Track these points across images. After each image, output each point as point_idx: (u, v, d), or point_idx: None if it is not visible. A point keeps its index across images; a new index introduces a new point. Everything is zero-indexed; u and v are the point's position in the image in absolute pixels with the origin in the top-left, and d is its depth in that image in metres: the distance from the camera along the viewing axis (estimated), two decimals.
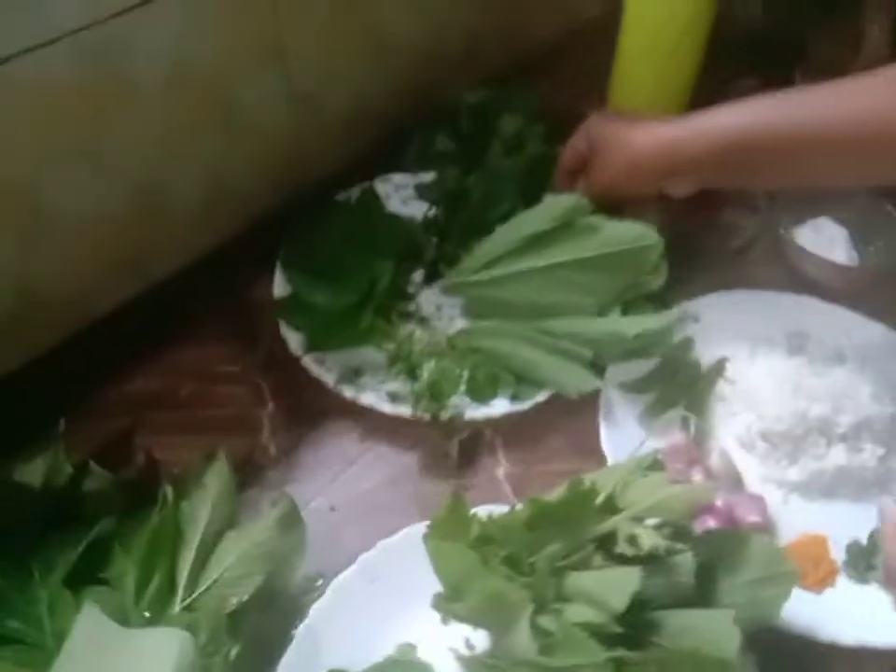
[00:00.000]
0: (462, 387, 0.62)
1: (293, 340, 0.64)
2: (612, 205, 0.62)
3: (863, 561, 0.53)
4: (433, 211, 0.74)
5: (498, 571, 0.43)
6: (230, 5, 0.62)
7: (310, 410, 0.62)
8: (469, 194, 0.70)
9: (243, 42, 0.65)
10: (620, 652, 0.40)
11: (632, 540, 0.43)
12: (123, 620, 0.44)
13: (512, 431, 0.61)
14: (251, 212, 0.75)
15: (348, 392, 0.61)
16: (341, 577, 0.50)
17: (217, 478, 0.51)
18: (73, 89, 0.56)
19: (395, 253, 0.67)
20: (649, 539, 0.43)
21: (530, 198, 0.65)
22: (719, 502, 0.53)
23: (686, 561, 0.43)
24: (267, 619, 0.48)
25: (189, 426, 0.61)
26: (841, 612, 0.50)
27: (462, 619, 0.45)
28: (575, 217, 0.60)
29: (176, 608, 0.46)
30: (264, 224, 0.75)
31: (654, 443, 0.55)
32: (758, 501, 0.54)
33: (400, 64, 0.81)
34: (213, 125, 0.68)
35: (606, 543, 0.44)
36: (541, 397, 0.61)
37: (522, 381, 0.61)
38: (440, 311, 0.68)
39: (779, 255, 0.73)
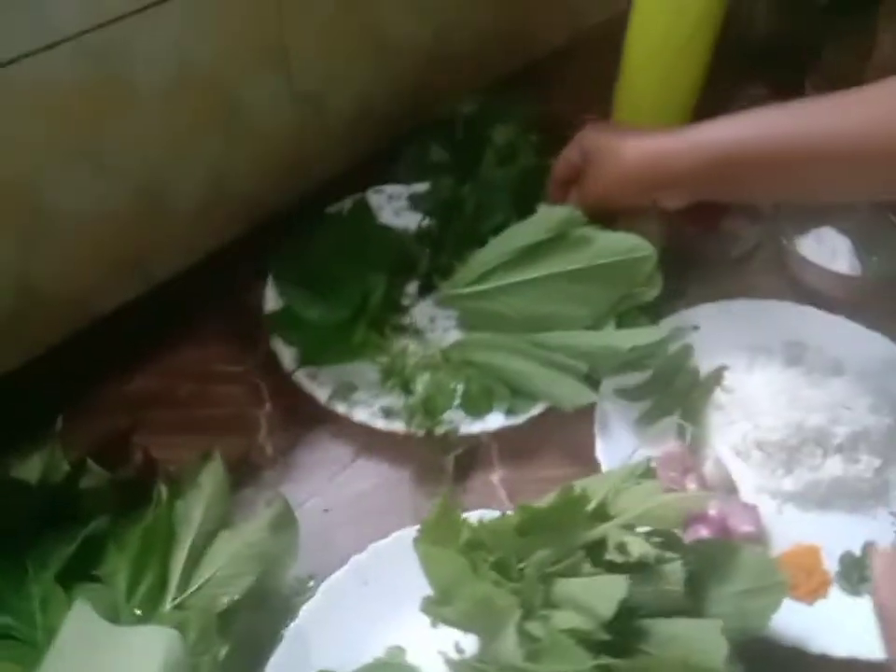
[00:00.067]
0: (457, 402, 0.61)
1: (285, 354, 0.63)
2: (606, 216, 0.62)
3: (856, 573, 0.52)
4: (426, 222, 0.73)
5: (487, 576, 0.43)
6: (231, 6, 0.63)
7: (307, 410, 0.62)
8: (463, 205, 0.70)
9: (244, 43, 0.66)
10: (606, 660, 0.41)
11: (621, 548, 0.43)
12: (114, 617, 0.45)
13: (508, 445, 0.61)
14: (252, 213, 0.75)
15: (341, 408, 0.61)
16: (332, 578, 0.50)
17: (211, 478, 0.51)
18: (74, 91, 0.56)
19: (388, 265, 0.67)
20: (638, 547, 0.43)
21: (524, 208, 0.65)
22: (712, 511, 0.53)
23: (676, 570, 0.43)
24: (258, 619, 0.48)
25: (187, 425, 0.62)
26: (833, 624, 0.50)
27: (451, 623, 0.45)
28: (569, 229, 0.60)
29: (167, 606, 0.46)
30: (265, 225, 0.75)
31: (649, 451, 0.56)
32: (752, 511, 0.54)
33: (403, 66, 0.81)
34: (214, 126, 0.68)
35: (596, 550, 0.44)
36: (537, 410, 0.61)
37: (517, 394, 0.61)
38: (434, 323, 0.68)
39: (781, 264, 0.73)
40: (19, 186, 0.58)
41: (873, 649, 0.49)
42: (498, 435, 0.61)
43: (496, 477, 0.59)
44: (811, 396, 0.59)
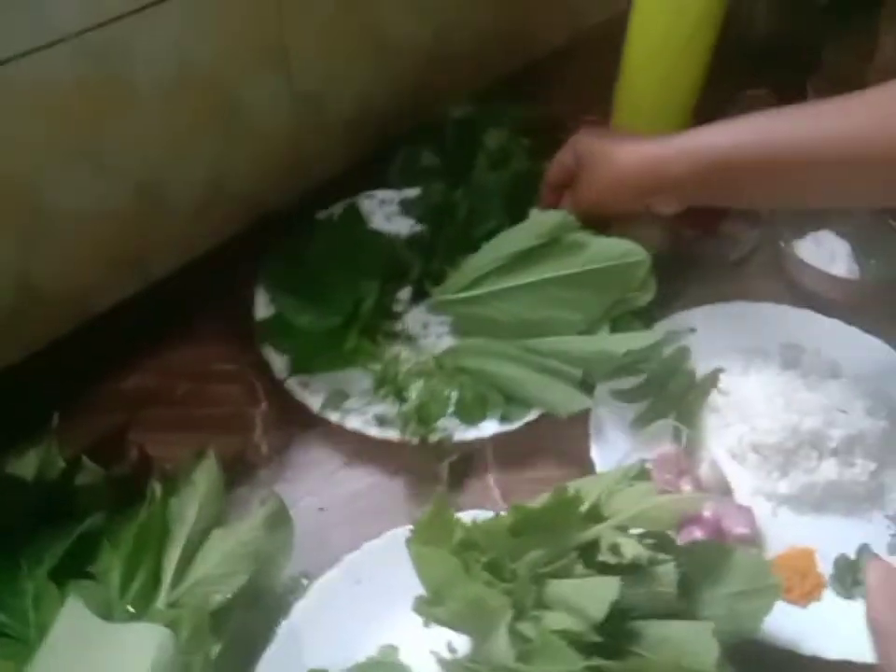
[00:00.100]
0: (450, 409, 0.61)
1: (277, 362, 0.63)
2: (599, 221, 0.61)
3: (851, 576, 0.52)
4: (418, 227, 0.73)
5: (480, 577, 0.43)
6: (231, 6, 0.63)
7: (302, 413, 0.62)
8: (455, 210, 0.69)
9: (244, 43, 0.66)
10: (598, 661, 0.40)
11: (614, 549, 0.43)
12: (107, 614, 0.45)
13: (503, 452, 0.60)
14: (251, 212, 0.75)
15: (334, 417, 0.60)
16: (325, 577, 0.50)
17: (206, 476, 0.51)
18: (74, 90, 0.57)
19: (380, 271, 0.66)
20: (631, 549, 0.43)
21: (516, 213, 0.64)
22: (707, 513, 0.52)
23: (668, 571, 0.43)
24: (251, 617, 0.48)
25: (182, 423, 0.62)
26: (826, 626, 0.50)
27: (443, 623, 0.45)
28: (562, 234, 0.60)
29: (160, 604, 0.46)
30: (264, 224, 0.75)
31: (644, 454, 0.55)
32: (746, 513, 0.54)
33: (403, 66, 0.82)
34: (214, 126, 0.68)
35: (588, 551, 0.44)
36: (531, 416, 0.60)
37: (511, 401, 0.61)
38: (426, 329, 0.67)
39: (779, 267, 0.73)
40: (19, 185, 0.58)
41: (865, 652, 0.49)
42: (493, 438, 0.60)
43: (490, 478, 0.59)
44: (807, 399, 0.59)
